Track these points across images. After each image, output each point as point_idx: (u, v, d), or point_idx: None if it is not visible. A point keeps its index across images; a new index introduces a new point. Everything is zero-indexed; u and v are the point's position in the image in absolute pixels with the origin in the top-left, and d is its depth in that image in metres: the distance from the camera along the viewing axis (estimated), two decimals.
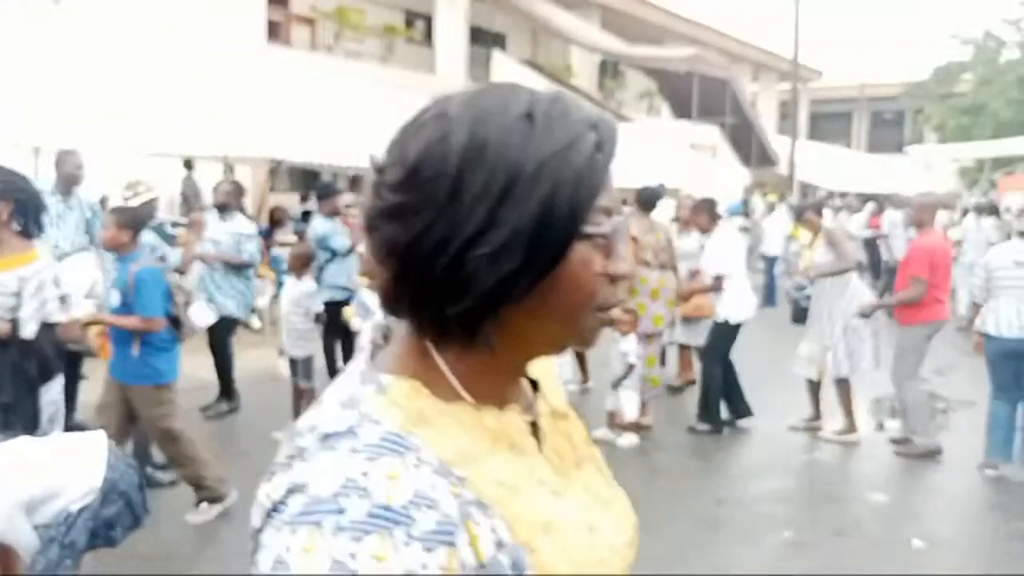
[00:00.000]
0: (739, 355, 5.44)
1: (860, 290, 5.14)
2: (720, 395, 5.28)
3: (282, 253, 7.39)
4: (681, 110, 18.07)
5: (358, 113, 9.00)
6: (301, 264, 4.86)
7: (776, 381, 6.05)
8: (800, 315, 5.58)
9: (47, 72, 5.95)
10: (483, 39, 18.67)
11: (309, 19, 15.43)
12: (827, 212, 11.78)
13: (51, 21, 7.61)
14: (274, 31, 14.51)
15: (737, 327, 5.19)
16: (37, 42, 6.36)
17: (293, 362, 4.85)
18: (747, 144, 17.97)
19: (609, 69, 21.64)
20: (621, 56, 18.64)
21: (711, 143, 16.94)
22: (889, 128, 32.20)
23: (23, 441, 2.74)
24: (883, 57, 27.29)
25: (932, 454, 4.87)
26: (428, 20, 17.70)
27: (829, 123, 32.20)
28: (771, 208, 12.99)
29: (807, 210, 5.53)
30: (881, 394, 5.79)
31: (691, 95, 16.67)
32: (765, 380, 6.11)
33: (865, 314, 5.03)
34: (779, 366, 5.92)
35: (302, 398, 4.86)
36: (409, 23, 17.70)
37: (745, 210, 13.53)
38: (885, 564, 3.58)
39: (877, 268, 11.91)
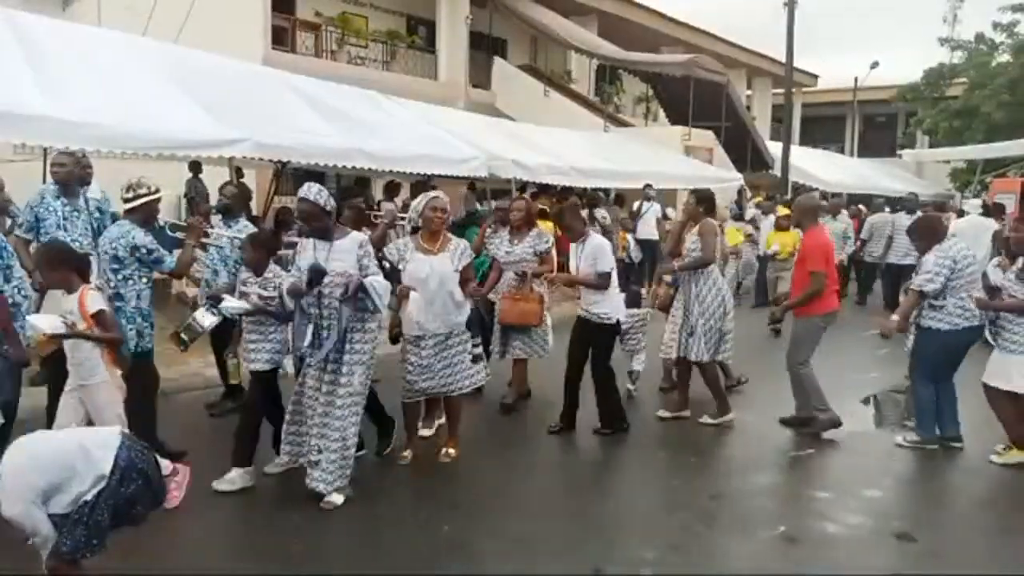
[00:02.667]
0: (736, 352, 5.61)
1: (721, 282, 5.49)
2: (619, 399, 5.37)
3: (288, 254, 7.57)
4: (677, 114, 18.33)
5: (361, 116, 9.24)
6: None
7: (768, 377, 6.17)
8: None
9: (55, 75, 6.05)
10: (484, 45, 18.94)
11: (314, 25, 15.66)
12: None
13: (58, 25, 7.75)
14: (279, 36, 14.74)
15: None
16: (44, 45, 6.49)
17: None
18: (742, 148, 18.23)
19: (607, 74, 21.94)
20: (619, 62, 18.92)
21: (707, 147, 17.21)
22: (881, 131, 32.53)
23: (40, 434, 2.96)
24: (875, 60, 27.40)
25: (836, 424, 5.26)
26: (430, 26, 17.96)
27: (822, 126, 32.52)
28: (766, 211, 13.26)
29: (690, 196, 5.72)
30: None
31: (687, 100, 16.93)
32: (758, 376, 6.30)
33: (778, 319, 5.67)
34: (772, 362, 6.06)
35: None
36: (411, 29, 17.96)
37: (740, 212, 13.79)
38: (877, 559, 3.60)
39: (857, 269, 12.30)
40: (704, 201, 5.60)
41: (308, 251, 4.07)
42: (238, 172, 8.39)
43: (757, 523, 3.95)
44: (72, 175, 5.23)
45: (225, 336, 4.90)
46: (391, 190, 10.65)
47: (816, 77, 29.60)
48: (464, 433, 4.88)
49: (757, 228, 11.55)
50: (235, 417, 5.24)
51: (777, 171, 18.51)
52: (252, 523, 3.91)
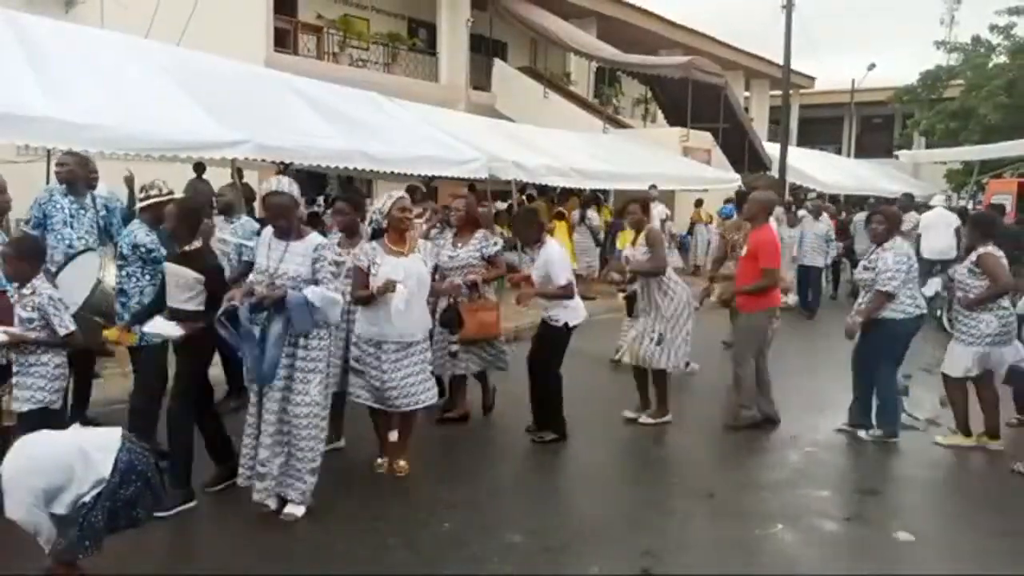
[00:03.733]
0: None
1: (680, 288, 5.43)
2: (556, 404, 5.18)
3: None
4: (676, 116, 18.44)
5: (362, 118, 9.32)
6: None
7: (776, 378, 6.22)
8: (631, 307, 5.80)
9: (57, 76, 6.09)
10: (484, 47, 19.04)
11: (315, 27, 15.74)
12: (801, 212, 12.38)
13: (61, 27, 7.79)
14: (281, 39, 14.81)
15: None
16: (47, 47, 6.51)
17: None
18: (740, 149, 18.34)
19: (606, 76, 22.03)
20: (618, 64, 19.01)
21: (705, 148, 17.31)
22: (878, 133, 32.64)
23: (40, 436, 2.98)
24: (872, 61, 27.53)
25: (757, 422, 5.40)
26: (431, 29, 18.05)
27: (819, 128, 32.63)
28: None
29: (630, 203, 5.65)
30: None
31: (685, 101, 17.03)
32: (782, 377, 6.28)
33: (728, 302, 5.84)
34: (770, 363, 6.16)
35: None
36: (412, 32, 18.05)
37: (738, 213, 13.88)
38: (874, 558, 3.61)
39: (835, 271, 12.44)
40: (647, 208, 5.63)
41: (262, 249, 3.84)
42: (239, 173, 8.45)
43: (755, 522, 3.96)
44: (75, 174, 5.30)
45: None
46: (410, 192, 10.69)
47: (813, 79, 29.72)
48: (459, 433, 4.89)
49: (793, 226, 11.54)
50: (239, 416, 5.27)
51: (775, 172, 18.60)
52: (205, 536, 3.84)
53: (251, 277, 3.90)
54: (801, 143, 26.60)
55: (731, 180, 16.15)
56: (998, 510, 4.28)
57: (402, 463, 4.46)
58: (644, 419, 5.52)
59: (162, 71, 7.41)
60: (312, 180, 13.93)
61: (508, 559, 3.52)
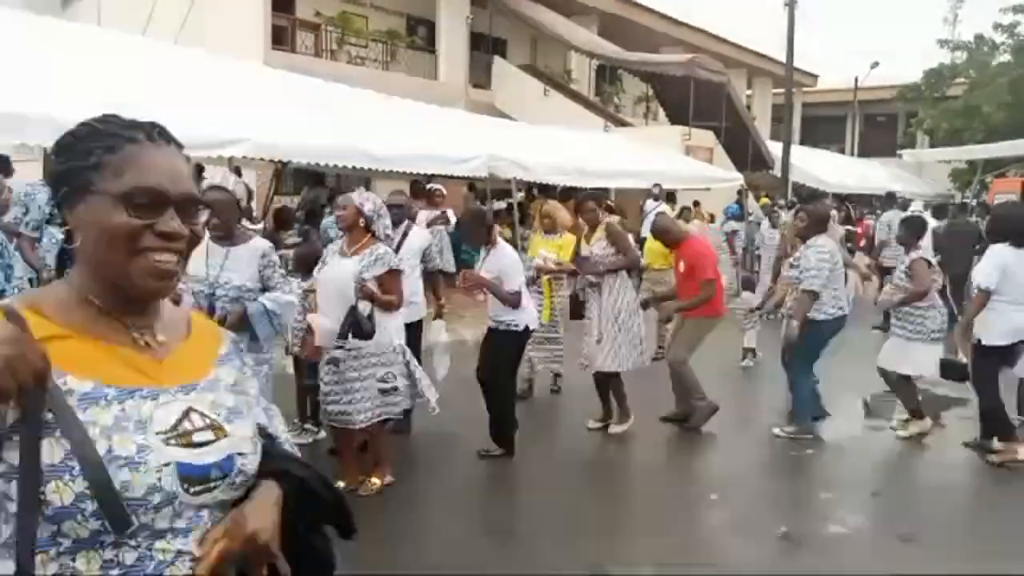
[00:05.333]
0: (732, 356, 5.62)
1: (628, 288, 5.27)
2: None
3: (288, 254, 7.58)
4: (678, 114, 18.33)
5: (361, 117, 9.25)
6: (306, 265, 4.74)
7: (767, 381, 6.23)
8: (578, 310, 5.61)
9: (55, 76, 6.05)
10: (484, 45, 18.94)
11: (313, 25, 15.65)
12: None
13: (58, 26, 7.76)
14: (279, 36, 14.74)
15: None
16: (45, 46, 6.51)
17: (298, 361, 4.85)
18: (742, 148, 18.23)
19: (607, 74, 21.93)
20: (619, 62, 18.92)
21: (707, 147, 17.20)
22: (882, 131, 32.53)
23: None
24: (876, 60, 27.46)
25: (714, 410, 5.35)
26: (430, 26, 17.96)
27: (822, 126, 32.53)
28: (767, 212, 13.27)
29: (586, 200, 5.49)
30: (875, 392, 5.98)
31: (687, 100, 16.93)
32: (759, 380, 6.32)
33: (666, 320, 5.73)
34: (771, 366, 6.09)
35: (307, 396, 4.87)
36: (411, 29, 17.96)
37: (741, 213, 13.78)
38: (877, 559, 3.61)
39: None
40: (602, 203, 5.46)
41: (200, 254, 3.37)
42: (236, 172, 8.37)
43: (758, 523, 3.95)
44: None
45: None
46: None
47: (816, 77, 29.60)
48: (454, 435, 4.74)
49: (775, 226, 11.36)
50: None
51: (777, 171, 18.50)
52: None
53: (191, 287, 3.50)
54: (804, 142, 26.49)
55: (733, 179, 16.06)
56: (997, 509, 4.27)
57: (374, 480, 4.14)
58: (613, 428, 5.32)
59: (159, 69, 7.37)
60: (310, 179, 13.85)
61: (509, 559, 3.43)
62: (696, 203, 15.24)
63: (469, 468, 4.68)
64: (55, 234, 5.10)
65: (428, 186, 10.21)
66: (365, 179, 13.51)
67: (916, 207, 12.12)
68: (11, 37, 6.30)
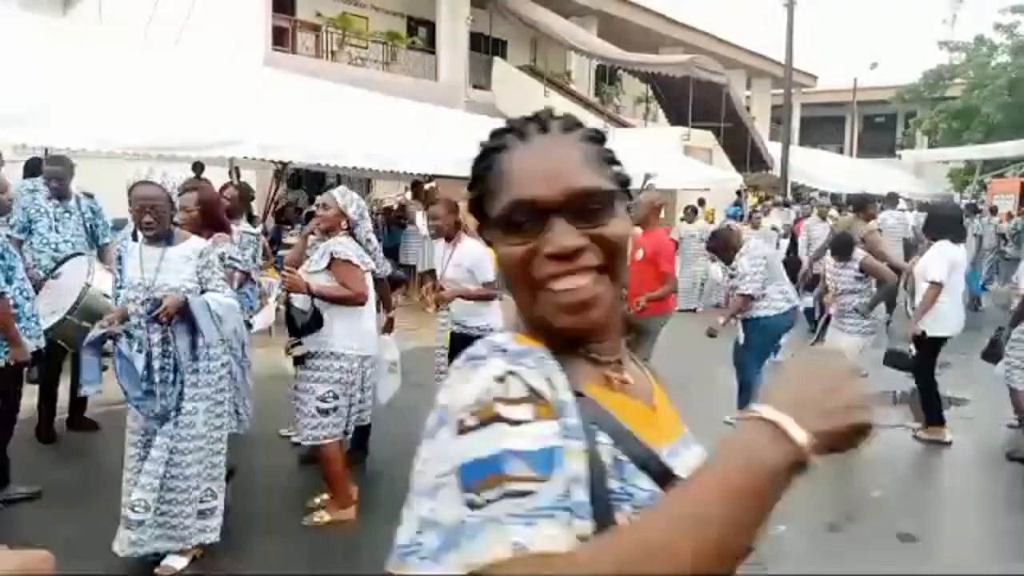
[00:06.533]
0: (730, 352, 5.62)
1: None
2: None
3: (285, 255, 7.60)
4: (677, 115, 18.39)
5: (362, 117, 9.28)
6: (297, 267, 4.47)
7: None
8: None
9: (56, 76, 6.07)
10: (484, 46, 18.98)
11: (314, 26, 15.68)
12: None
13: (59, 26, 7.78)
14: (279, 37, 14.77)
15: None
16: (45, 47, 6.50)
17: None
18: (742, 148, 18.27)
19: (607, 75, 21.97)
20: (618, 62, 18.96)
21: (706, 147, 17.24)
22: (881, 132, 32.59)
23: None
24: (874, 60, 27.55)
25: None
26: (430, 27, 17.99)
27: (821, 127, 32.58)
28: (767, 210, 13.32)
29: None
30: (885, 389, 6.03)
31: (687, 100, 16.97)
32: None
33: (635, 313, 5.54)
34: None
35: None
36: (412, 30, 17.99)
37: (741, 213, 13.82)
38: (878, 558, 3.59)
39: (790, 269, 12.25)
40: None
41: (134, 258, 3.19)
42: (236, 172, 8.41)
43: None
44: (56, 174, 5.24)
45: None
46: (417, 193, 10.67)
47: (815, 78, 29.64)
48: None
49: (757, 228, 11.44)
50: None
51: (776, 171, 18.54)
52: None
53: (123, 294, 3.30)
54: (803, 142, 26.53)
55: (732, 179, 16.09)
56: (997, 508, 4.27)
57: (324, 514, 3.80)
58: None
59: (160, 70, 7.39)
60: (311, 180, 13.88)
61: None
62: (701, 201, 15.26)
63: None
64: (44, 234, 5.13)
65: (428, 186, 10.26)
66: (365, 179, 13.58)
67: (901, 206, 12.43)
68: (11, 37, 6.31)
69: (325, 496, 3.84)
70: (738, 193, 16.38)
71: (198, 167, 10.47)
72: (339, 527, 3.70)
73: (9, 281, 3.86)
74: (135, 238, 3.29)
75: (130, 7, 11.73)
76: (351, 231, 3.77)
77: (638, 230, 5.41)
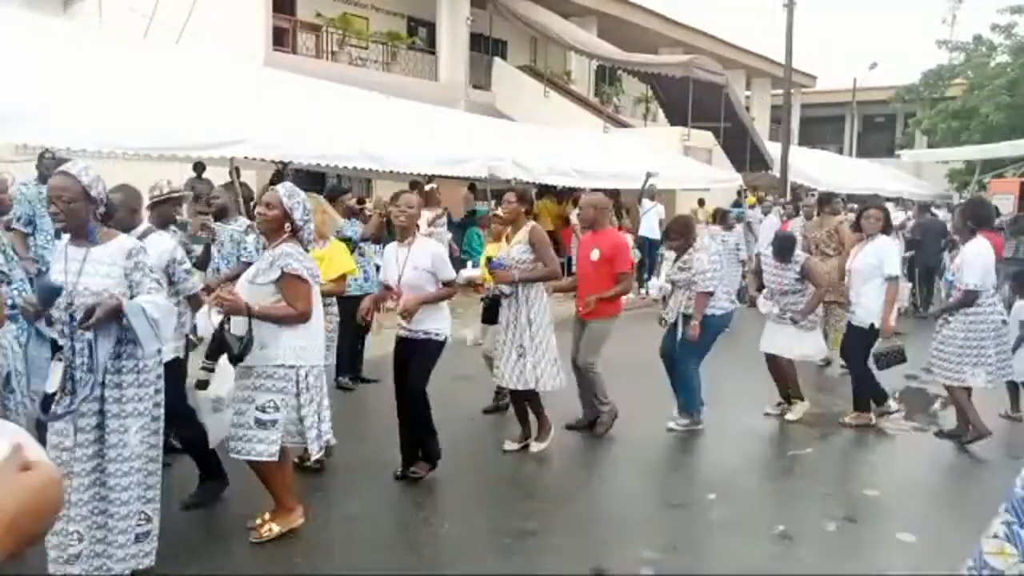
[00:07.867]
0: (733, 350, 5.63)
1: (545, 297, 4.85)
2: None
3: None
4: (677, 115, 18.38)
5: (362, 117, 9.30)
6: None
7: (766, 377, 6.24)
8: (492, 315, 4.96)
9: (56, 76, 6.09)
10: (484, 46, 18.98)
11: (314, 26, 15.69)
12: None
13: (60, 26, 7.79)
14: (280, 37, 14.77)
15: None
16: (46, 47, 6.54)
17: None
18: (741, 148, 18.27)
19: (606, 75, 21.97)
20: (618, 63, 18.95)
21: (706, 147, 17.25)
22: (880, 132, 32.60)
23: None
24: (874, 60, 27.54)
25: (616, 415, 5.31)
26: (430, 28, 18.00)
27: (821, 127, 32.58)
28: (767, 210, 13.32)
29: (507, 192, 5.03)
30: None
31: (686, 100, 16.97)
32: (757, 375, 6.31)
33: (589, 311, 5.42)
34: (762, 361, 6.08)
35: None
36: (412, 31, 18.00)
37: (741, 213, 13.82)
38: (875, 558, 3.61)
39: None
40: (526, 201, 4.89)
41: (59, 259, 2.94)
42: (236, 172, 8.42)
43: (756, 523, 3.95)
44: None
45: None
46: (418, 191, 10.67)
47: (815, 78, 29.65)
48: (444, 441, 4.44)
49: (730, 229, 11.22)
50: None
51: (776, 172, 18.54)
52: None
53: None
54: (802, 142, 26.53)
55: (732, 180, 16.10)
56: (997, 509, 4.21)
57: (273, 526, 3.54)
58: (534, 447, 4.89)
59: (161, 70, 7.40)
60: (311, 180, 13.88)
61: (509, 559, 3.46)
62: (701, 201, 15.29)
63: (456, 473, 4.70)
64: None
65: (427, 186, 10.27)
66: (365, 179, 13.58)
67: (887, 205, 12.37)
68: (11, 37, 6.32)
69: (267, 514, 3.57)
70: (738, 193, 16.39)
71: (198, 167, 10.51)
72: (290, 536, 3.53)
73: (8, 282, 3.86)
74: (58, 236, 3.14)
75: (130, 7, 11.74)
76: (295, 234, 3.41)
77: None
